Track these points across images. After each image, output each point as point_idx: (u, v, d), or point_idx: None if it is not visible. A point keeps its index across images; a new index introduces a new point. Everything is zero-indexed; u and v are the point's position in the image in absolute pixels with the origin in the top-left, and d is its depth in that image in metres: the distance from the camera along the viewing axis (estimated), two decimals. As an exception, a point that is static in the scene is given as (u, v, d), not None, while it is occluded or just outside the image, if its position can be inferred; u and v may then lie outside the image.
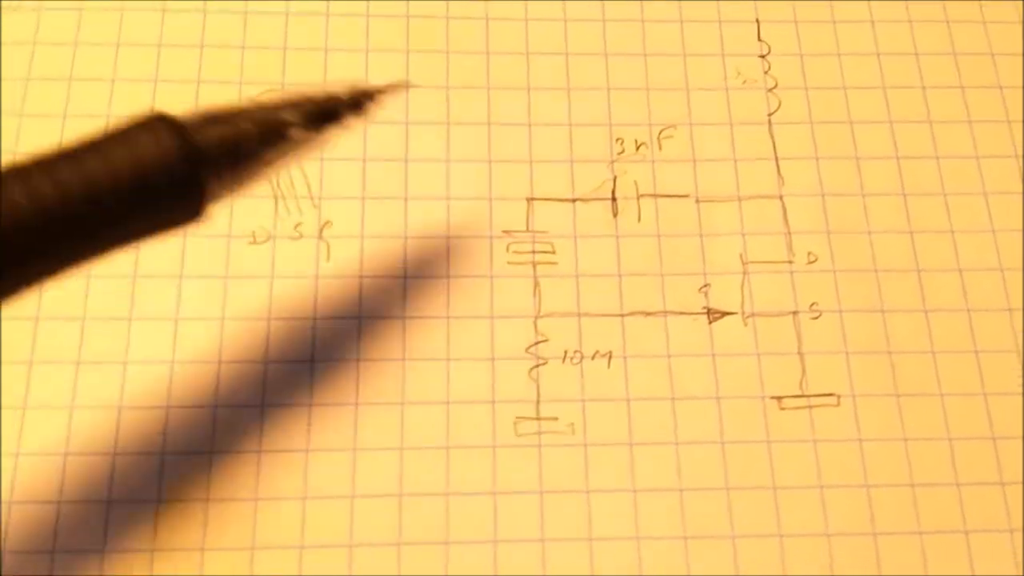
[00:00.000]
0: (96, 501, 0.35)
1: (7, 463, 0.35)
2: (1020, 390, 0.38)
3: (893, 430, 0.37)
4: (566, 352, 0.38)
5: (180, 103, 0.40)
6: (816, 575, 0.35)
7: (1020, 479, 0.37)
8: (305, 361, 0.37)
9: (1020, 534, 0.36)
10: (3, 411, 0.36)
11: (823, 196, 0.40)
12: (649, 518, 0.36)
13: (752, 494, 0.36)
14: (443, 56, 0.42)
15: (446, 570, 0.35)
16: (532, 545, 0.35)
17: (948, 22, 0.43)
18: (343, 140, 0.39)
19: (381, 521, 0.35)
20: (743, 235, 0.40)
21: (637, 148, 0.41)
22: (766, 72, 0.42)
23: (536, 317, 0.38)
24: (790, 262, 0.39)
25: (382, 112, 0.37)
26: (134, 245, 0.28)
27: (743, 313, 0.39)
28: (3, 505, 0.35)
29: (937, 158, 0.41)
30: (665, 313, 0.39)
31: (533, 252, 0.39)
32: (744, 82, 0.42)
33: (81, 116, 0.40)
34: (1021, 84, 0.43)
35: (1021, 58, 0.43)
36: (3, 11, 0.42)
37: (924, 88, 0.42)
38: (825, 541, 0.36)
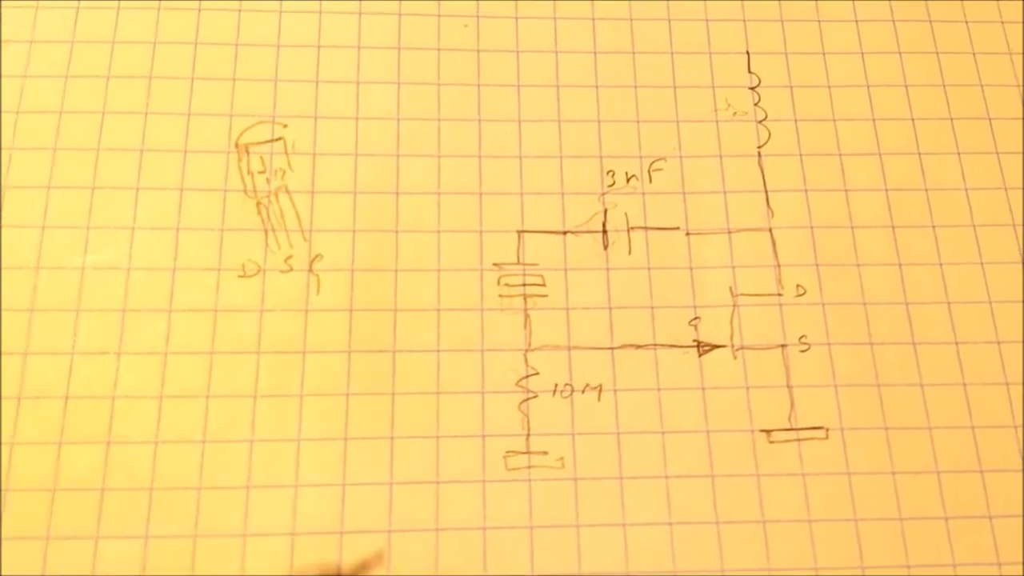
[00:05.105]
0: (85, 537, 0.35)
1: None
2: (1009, 423, 0.38)
3: (881, 463, 0.37)
4: (556, 385, 0.38)
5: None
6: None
7: (1008, 512, 0.37)
8: (294, 395, 0.37)
9: (1009, 567, 0.36)
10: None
11: (812, 228, 0.40)
12: (639, 552, 0.36)
13: (741, 527, 0.36)
14: (434, 88, 0.42)
15: (435, 605, 0.35)
16: (522, 581, 0.35)
17: (937, 53, 0.44)
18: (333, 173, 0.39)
19: (371, 555, 0.35)
20: (733, 268, 0.40)
21: (628, 180, 0.41)
22: (756, 104, 0.42)
23: (526, 350, 0.38)
24: (779, 295, 0.39)
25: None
26: None
27: (732, 346, 0.39)
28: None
29: (926, 190, 0.41)
30: (655, 346, 0.39)
31: (524, 285, 0.39)
32: (734, 114, 0.42)
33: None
34: (1010, 114, 0.43)
35: (1010, 89, 0.43)
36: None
37: (913, 119, 0.42)
38: (813, 575, 0.36)
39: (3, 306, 0.38)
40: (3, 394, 0.37)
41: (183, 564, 0.35)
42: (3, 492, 0.36)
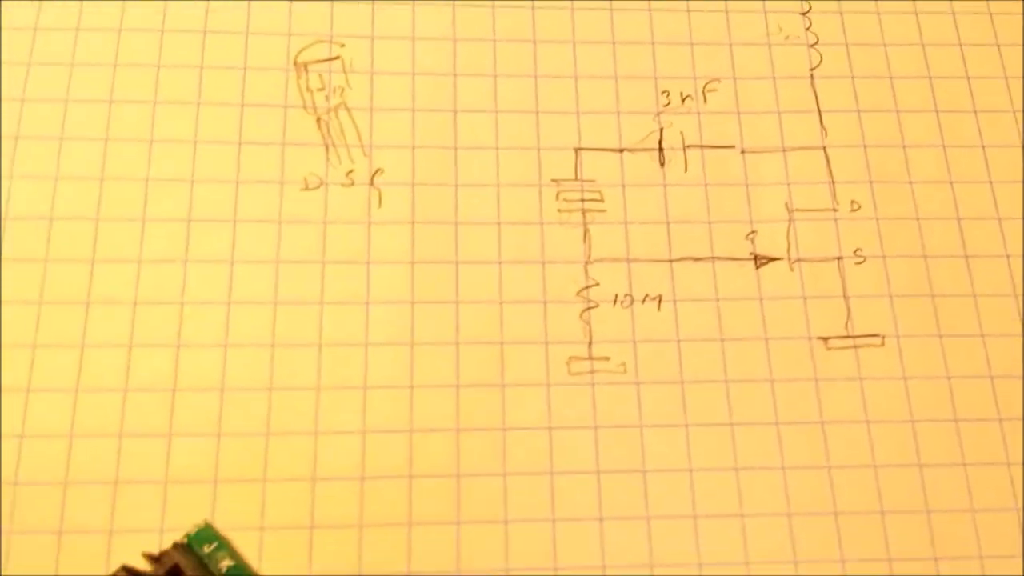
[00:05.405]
0: (158, 435, 0.36)
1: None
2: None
3: (936, 368, 0.39)
4: (616, 296, 0.39)
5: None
6: (863, 505, 0.37)
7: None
8: (360, 303, 0.38)
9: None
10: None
11: (865, 148, 0.42)
12: (701, 450, 0.37)
13: (800, 428, 0.38)
14: (490, 9, 0.43)
15: (505, 501, 0.36)
16: (587, 477, 0.36)
17: (984, -17, 0.45)
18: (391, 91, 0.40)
19: (440, 455, 0.37)
20: (788, 184, 0.41)
21: (683, 101, 0.42)
22: (807, 28, 0.43)
23: (586, 262, 0.39)
24: (834, 210, 0.41)
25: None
26: None
27: (789, 259, 0.40)
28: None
29: (975, 112, 0.42)
30: (713, 259, 0.40)
31: (582, 200, 0.40)
32: (786, 38, 0.43)
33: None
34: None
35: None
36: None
37: (961, 45, 0.44)
38: (872, 472, 0.37)
39: (69, 215, 0.38)
40: (71, 298, 0.37)
41: (256, 461, 0.36)
42: (77, 393, 0.36)
